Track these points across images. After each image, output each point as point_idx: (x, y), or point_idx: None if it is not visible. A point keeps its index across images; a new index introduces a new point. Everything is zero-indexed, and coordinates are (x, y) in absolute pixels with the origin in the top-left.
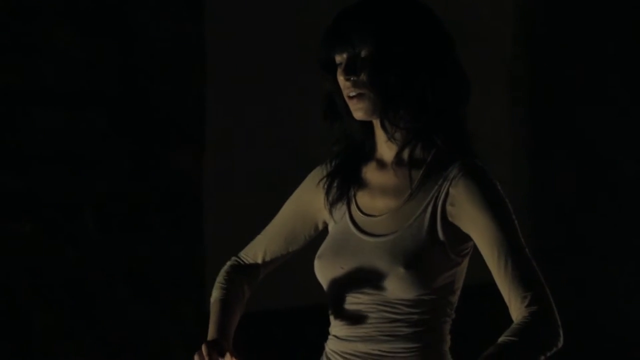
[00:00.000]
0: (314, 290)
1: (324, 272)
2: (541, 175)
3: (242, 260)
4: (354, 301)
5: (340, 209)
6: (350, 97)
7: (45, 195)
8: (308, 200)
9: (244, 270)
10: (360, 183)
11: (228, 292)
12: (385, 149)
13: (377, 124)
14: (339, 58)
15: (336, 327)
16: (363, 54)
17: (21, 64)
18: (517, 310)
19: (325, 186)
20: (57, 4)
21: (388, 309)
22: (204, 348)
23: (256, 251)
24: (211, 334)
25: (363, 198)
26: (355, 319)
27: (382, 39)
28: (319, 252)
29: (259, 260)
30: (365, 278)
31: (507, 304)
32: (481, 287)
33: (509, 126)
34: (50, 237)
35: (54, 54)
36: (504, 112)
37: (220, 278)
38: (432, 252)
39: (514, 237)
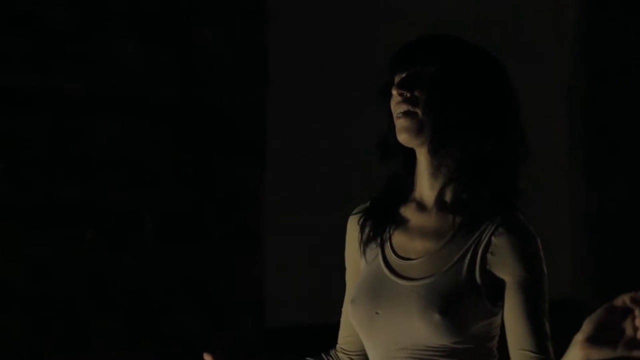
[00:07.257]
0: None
1: (360, 317)
2: (598, 196)
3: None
4: (390, 348)
5: (373, 250)
6: (398, 117)
7: (107, 204)
8: (355, 258)
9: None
10: (398, 224)
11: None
12: (427, 189)
13: (421, 152)
14: (398, 78)
15: None
16: (424, 73)
17: (84, 73)
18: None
19: (360, 223)
20: (121, 14)
21: (420, 357)
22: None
23: (342, 333)
24: None
25: (400, 240)
26: None
27: (448, 60)
28: (352, 296)
29: (346, 348)
30: (399, 323)
31: (510, 348)
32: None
33: (568, 147)
34: (110, 246)
35: (117, 64)
36: (562, 132)
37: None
38: (469, 298)
39: (541, 298)
